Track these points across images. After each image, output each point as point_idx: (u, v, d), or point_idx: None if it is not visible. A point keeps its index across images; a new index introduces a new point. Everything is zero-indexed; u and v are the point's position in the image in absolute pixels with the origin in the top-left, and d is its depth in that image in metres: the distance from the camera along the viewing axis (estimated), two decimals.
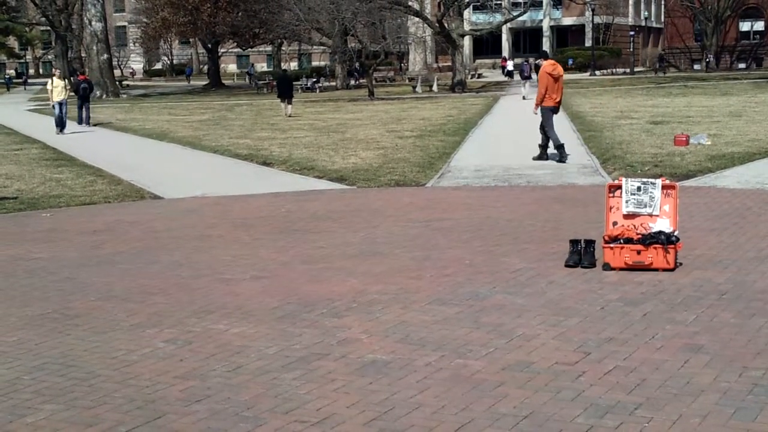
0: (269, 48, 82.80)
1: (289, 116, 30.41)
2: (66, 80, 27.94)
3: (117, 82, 59.83)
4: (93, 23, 53.32)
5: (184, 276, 7.89)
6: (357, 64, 49.55)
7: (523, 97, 36.07)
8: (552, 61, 15.93)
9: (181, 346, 5.83)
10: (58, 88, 26.47)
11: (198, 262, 8.47)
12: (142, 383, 5.13)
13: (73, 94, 29.52)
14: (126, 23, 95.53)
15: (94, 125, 28.56)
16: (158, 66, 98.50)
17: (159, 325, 6.31)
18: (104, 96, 52.28)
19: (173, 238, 9.76)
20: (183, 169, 17.09)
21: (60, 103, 26.14)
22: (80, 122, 28.88)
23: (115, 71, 63.25)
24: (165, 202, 12.86)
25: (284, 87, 32.20)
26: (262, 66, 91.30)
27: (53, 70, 34.13)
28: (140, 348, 5.80)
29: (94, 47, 53.49)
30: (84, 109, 29.17)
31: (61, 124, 26.07)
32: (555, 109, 15.61)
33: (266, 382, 5.10)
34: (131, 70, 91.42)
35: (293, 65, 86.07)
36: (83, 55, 64.15)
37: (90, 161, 18.02)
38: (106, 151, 20.34)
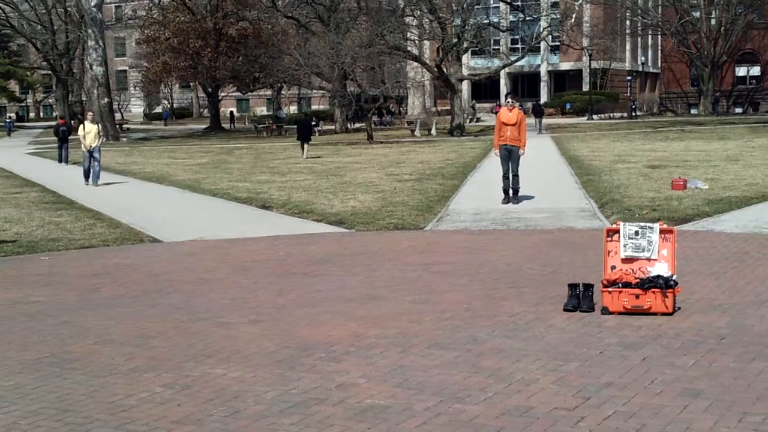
0: (269, 92, 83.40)
1: (307, 158, 31.32)
2: (98, 125, 24.41)
3: (117, 126, 60.08)
4: (94, 67, 53.75)
5: (182, 320, 7.87)
6: (379, 108, 49.93)
7: None
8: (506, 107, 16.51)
9: (178, 390, 5.80)
10: (91, 134, 23.18)
11: (196, 305, 8.46)
12: (139, 428, 5.11)
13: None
14: (127, 67, 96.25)
15: (73, 164, 29.01)
16: (158, 109, 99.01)
17: (157, 370, 6.29)
18: (104, 140, 52.42)
19: (172, 282, 9.76)
20: (182, 212, 17.12)
21: (90, 152, 22.94)
22: (60, 161, 33.13)
23: (115, 115, 63.56)
24: (164, 246, 12.87)
25: (304, 130, 33.07)
26: (262, 110, 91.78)
27: (86, 114, 31.74)
28: (138, 392, 5.78)
29: (95, 91, 53.85)
30: (64, 150, 33.45)
31: (89, 175, 23.07)
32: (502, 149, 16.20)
33: (264, 427, 5.08)
34: (119, 116, 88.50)
35: (293, 109, 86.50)
36: (84, 98, 64.53)
37: (89, 204, 18.05)
38: (105, 195, 20.38)
